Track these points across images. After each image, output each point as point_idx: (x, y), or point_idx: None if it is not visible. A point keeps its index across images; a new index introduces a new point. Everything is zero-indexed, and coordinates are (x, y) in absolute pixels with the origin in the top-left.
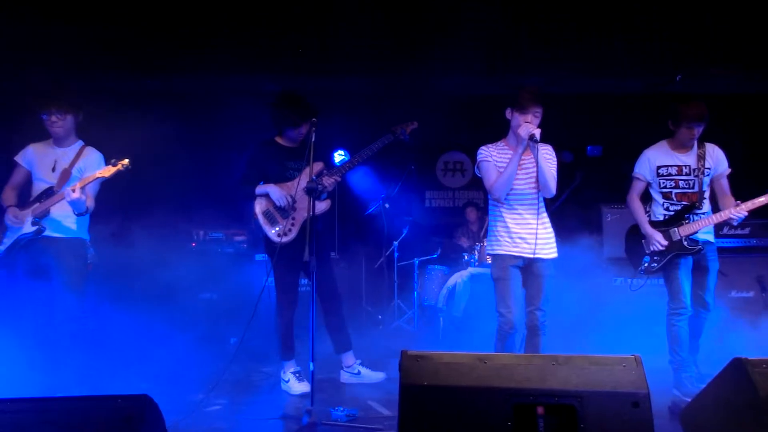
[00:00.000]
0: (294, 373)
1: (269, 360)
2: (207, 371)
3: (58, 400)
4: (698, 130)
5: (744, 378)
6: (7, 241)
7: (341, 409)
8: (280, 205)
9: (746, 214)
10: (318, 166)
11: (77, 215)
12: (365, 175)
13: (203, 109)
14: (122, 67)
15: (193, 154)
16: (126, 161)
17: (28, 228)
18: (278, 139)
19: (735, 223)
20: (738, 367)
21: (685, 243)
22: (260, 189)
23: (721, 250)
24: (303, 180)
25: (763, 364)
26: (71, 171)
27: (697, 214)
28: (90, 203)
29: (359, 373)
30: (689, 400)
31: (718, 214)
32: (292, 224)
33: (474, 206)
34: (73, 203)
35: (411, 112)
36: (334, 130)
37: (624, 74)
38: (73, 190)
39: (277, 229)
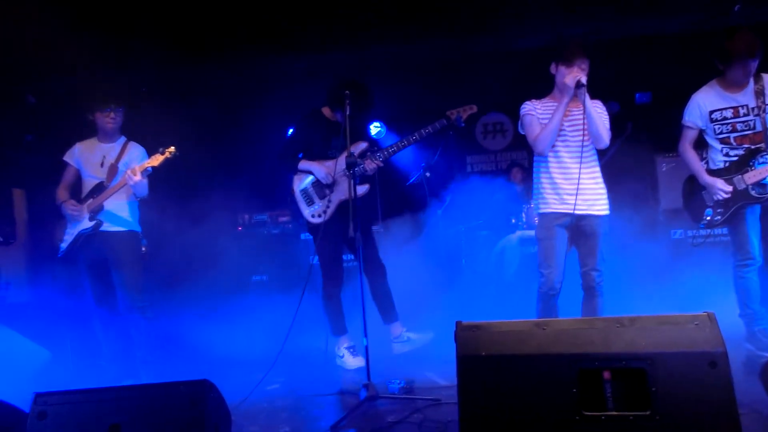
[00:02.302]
0: (348, 348)
1: (323, 336)
2: (264, 351)
3: (124, 389)
4: (753, 66)
5: None
6: (68, 238)
7: (398, 381)
8: (326, 183)
9: None
10: (363, 145)
11: (138, 199)
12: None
13: (241, 94)
14: (160, 58)
15: (229, 141)
16: (172, 148)
17: (87, 224)
18: (325, 111)
19: None
20: None
21: (752, 192)
22: (303, 165)
23: None
24: (343, 161)
25: None
26: (118, 166)
27: (763, 157)
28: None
29: (408, 339)
30: (764, 353)
31: None
32: (328, 206)
33: (519, 167)
34: (136, 186)
35: (446, 76)
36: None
37: (673, 10)
38: (134, 174)
39: (312, 209)
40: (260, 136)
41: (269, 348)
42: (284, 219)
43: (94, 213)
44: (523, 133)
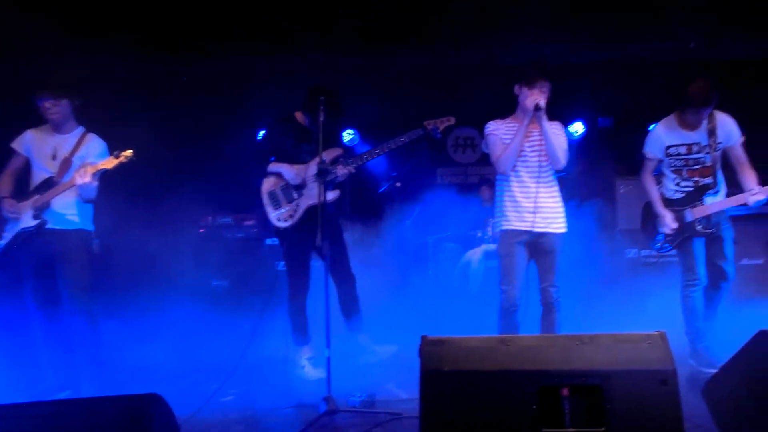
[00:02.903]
0: (309, 358)
1: (284, 346)
2: (221, 359)
3: (67, 403)
4: (705, 113)
5: None
6: (8, 235)
7: (359, 394)
8: (294, 184)
9: (765, 198)
10: (336, 152)
11: (85, 201)
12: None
13: (208, 92)
14: (126, 52)
15: (196, 139)
16: (129, 152)
17: (29, 222)
18: (297, 116)
19: (754, 205)
20: (763, 339)
21: (697, 226)
22: (273, 167)
23: (731, 218)
24: (314, 166)
25: None
26: (72, 159)
27: (711, 191)
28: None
29: (373, 351)
30: (706, 369)
31: (735, 198)
32: (295, 210)
33: (489, 184)
34: (84, 188)
35: (419, 89)
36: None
37: (636, 41)
38: (85, 173)
39: (279, 212)
40: (228, 136)
41: (227, 357)
42: (249, 223)
43: (40, 211)
44: (487, 152)
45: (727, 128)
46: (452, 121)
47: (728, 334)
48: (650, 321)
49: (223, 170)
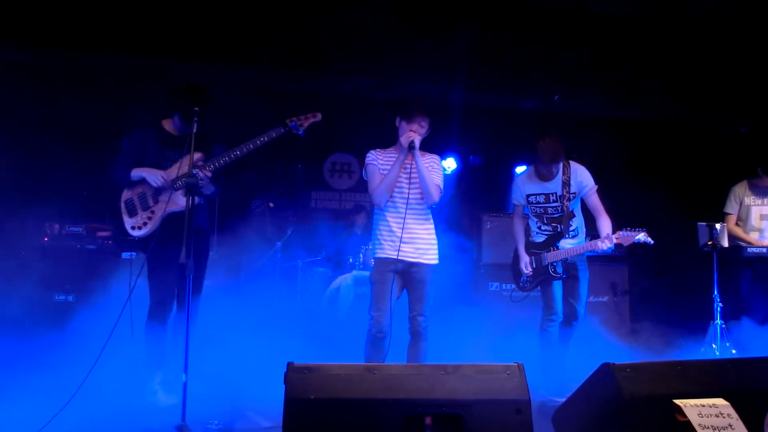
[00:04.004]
0: (162, 383)
1: (135, 368)
2: (58, 385)
3: None
4: (556, 167)
5: (611, 381)
6: None
7: (216, 422)
8: (156, 186)
9: (612, 246)
10: (195, 155)
11: None
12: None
13: (63, 86)
14: None
15: (49, 140)
16: None
17: None
18: (164, 124)
19: (602, 253)
20: (605, 371)
21: (550, 270)
22: (135, 174)
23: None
24: (173, 172)
25: (627, 369)
26: None
27: (566, 236)
28: None
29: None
30: (556, 398)
31: (586, 243)
32: (149, 218)
33: (364, 209)
34: None
35: (302, 109)
36: (224, 124)
37: (507, 90)
38: None
39: (134, 220)
40: (87, 139)
41: (65, 382)
42: (104, 234)
43: None
44: (366, 180)
45: (580, 178)
46: (318, 117)
47: (576, 365)
48: (511, 351)
49: (77, 176)
